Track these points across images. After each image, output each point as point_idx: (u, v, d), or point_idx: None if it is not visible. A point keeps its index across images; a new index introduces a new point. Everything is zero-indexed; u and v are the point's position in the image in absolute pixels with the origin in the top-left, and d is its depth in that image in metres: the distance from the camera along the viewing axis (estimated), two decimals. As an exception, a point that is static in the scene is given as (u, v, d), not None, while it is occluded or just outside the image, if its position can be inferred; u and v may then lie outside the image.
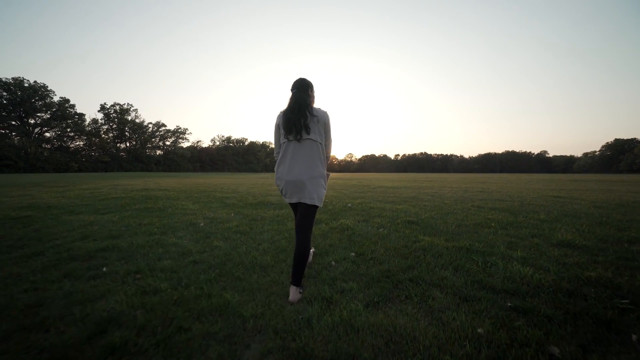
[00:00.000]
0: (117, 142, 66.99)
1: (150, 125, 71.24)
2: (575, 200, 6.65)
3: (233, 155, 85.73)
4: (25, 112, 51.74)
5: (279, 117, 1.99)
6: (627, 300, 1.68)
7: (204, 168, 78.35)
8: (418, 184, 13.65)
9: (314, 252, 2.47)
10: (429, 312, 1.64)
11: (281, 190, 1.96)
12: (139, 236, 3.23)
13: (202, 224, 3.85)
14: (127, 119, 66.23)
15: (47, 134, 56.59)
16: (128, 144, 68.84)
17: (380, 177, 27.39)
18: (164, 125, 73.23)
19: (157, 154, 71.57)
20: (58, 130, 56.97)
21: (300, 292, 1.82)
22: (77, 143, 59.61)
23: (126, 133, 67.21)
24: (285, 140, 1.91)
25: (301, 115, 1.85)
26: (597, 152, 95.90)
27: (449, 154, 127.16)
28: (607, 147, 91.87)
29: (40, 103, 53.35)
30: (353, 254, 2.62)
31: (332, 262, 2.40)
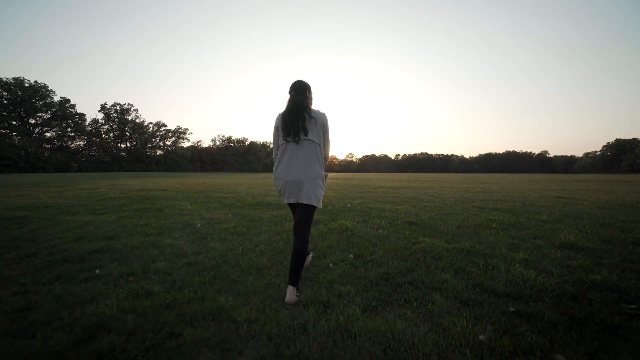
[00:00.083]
0: (118, 142, 67.03)
1: (150, 125, 71.27)
2: (577, 201, 6.58)
3: (233, 155, 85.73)
4: (25, 112, 51.79)
5: (277, 119, 2.01)
6: (634, 306, 1.62)
7: (205, 168, 78.36)
8: (418, 184, 13.59)
9: (312, 256, 2.43)
10: (429, 317, 1.59)
11: (280, 191, 1.97)
12: (135, 237, 3.18)
13: (199, 225, 3.81)
14: (127, 119, 66.23)
15: (48, 134, 56.72)
16: (128, 144, 68.87)
17: (380, 177, 27.33)
18: (164, 125, 73.26)
19: (158, 154, 71.57)
20: (58, 130, 57.01)
21: (297, 295, 1.78)
22: (78, 143, 59.70)
23: (126, 133, 67.21)
24: (283, 141, 1.93)
25: (299, 117, 1.87)
26: (598, 152, 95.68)
27: (449, 154, 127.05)
28: (608, 147, 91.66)
29: (40, 103, 53.38)
30: (351, 255, 2.57)
31: (330, 264, 2.35)
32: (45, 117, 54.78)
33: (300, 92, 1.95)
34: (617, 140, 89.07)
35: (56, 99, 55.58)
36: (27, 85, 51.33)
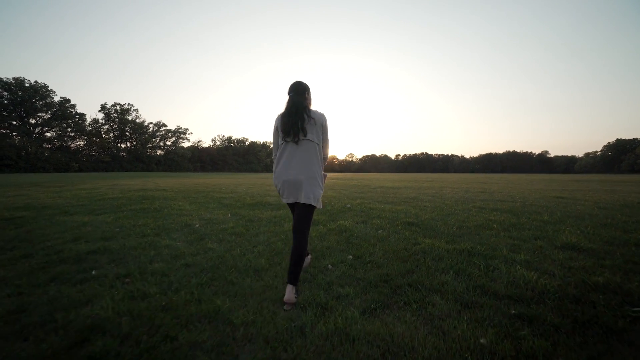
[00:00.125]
0: (118, 142, 67.05)
1: (150, 125, 71.28)
2: (578, 201, 6.55)
3: (234, 155, 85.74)
4: (26, 112, 51.82)
5: (277, 120, 2.03)
6: (639, 309, 1.59)
7: (205, 168, 78.37)
8: (419, 184, 13.57)
9: (310, 257, 2.41)
10: (429, 319, 1.56)
11: (279, 190, 1.98)
12: (132, 238, 3.15)
13: (197, 225, 3.78)
14: (127, 119, 66.25)
15: (48, 134, 56.76)
16: (129, 144, 68.90)
17: (380, 177, 27.30)
18: (164, 125, 73.29)
19: (158, 154, 71.60)
20: (59, 130, 57.05)
21: (295, 297, 1.76)
22: (78, 143, 59.75)
23: (127, 133, 67.24)
24: (283, 142, 1.95)
25: (298, 118, 1.88)
26: (599, 152, 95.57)
27: (449, 154, 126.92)
28: (609, 147, 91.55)
29: (40, 103, 53.41)
30: (351, 256, 2.54)
31: (329, 266, 2.32)
32: (45, 117, 54.83)
33: (299, 93, 1.97)
34: (617, 140, 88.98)
35: (56, 98, 55.67)
36: (27, 85, 51.37)
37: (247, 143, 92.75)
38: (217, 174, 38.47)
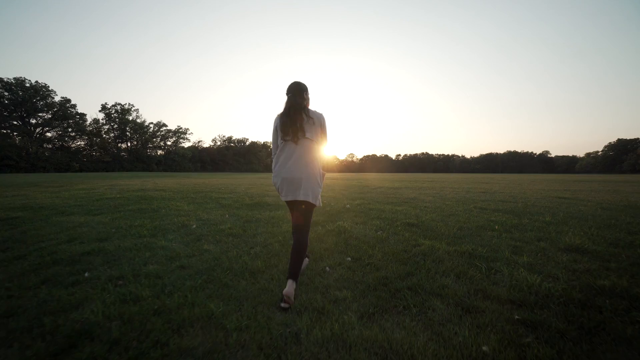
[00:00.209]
0: (118, 142, 67.06)
1: (151, 125, 71.25)
2: (581, 202, 6.48)
3: (234, 156, 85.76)
4: (26, 112, 51.84)
5: (276, 120, 2.05)
6: (647, 314, 1.53)
7: (205, 168, 78.38)
8: (419, 184, 13.49)
9: (307, 260, 2.37)
10: (429, 325, 1.50)
11: (278, 188, 2.00)
12: (128, 239, 3.11)
13: (194, 226, 3.73)
14: (128, 119, 66.23)
15: (49, 134, 56.73)
16: (129, 144, 68.90)
17: (381, 177, 27.22)
18: (165, 125, 73.26)
19: (158, 154, 71.60)
20: (59, 130, 57.06)
21: (294, 291, 1.75)
22: (78, 143, 59.74)
23: (127, 133, 67.21)
24: (282, 141, 1.97)
25: (297, 118, 1.92)
26: (600, 152, 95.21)
27: (450, 154, 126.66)
28: (610, 147, 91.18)
29: (41, 103, 53.42)
30: (349, 258, 2.48)
31: (327, 268, 2.27)
32: (46, 117, 54.82)
33: (297, 93, 1.99)
34: (619, 140, 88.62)
35: (57, 99, 55.65)
36: (28, 85, 51.40)
37: (247, 143, 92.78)
38: (217, 174, 38.43)
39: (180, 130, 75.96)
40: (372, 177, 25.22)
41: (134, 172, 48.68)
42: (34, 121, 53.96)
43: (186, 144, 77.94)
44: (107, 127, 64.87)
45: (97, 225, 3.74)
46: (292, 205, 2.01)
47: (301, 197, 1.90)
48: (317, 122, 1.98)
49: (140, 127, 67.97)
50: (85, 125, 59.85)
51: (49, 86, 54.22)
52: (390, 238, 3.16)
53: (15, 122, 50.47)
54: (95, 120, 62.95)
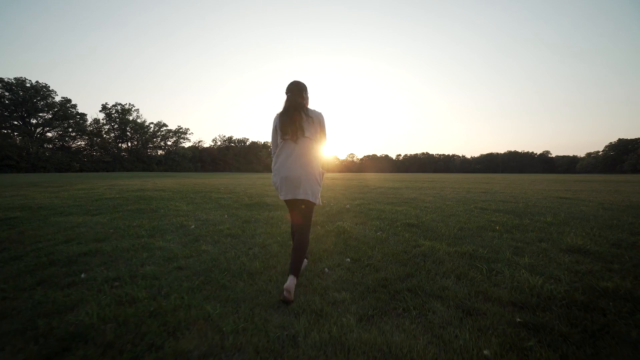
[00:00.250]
0: (119, 142, 67.13)
1: (151, 125, 71.35)
2: (582, 202, 6.44)
3: (234, 155, 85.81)
4: (27, 112, 51.90)
5: (275, 119, 2.05)
6: (651, 317, 1.50)
7: (205, 168, 78.41)
8: (419, 184, 13.46)
9: (307, 262, 2.34)
10: (429, 328, 1.48)
11: (277, 188, 2.01)
12: (125, 239, 3.08)
13: (192, 226, 3.71)
14: (128, 119, 66.31)
15: (49, 134, 56.81)
16: (129, 144, 68.97)
17: (381, 177, 27.18)
18: (165, 125, 73.35)
19: (159, 154, 71.69)
20: (60, 130, 57.12)
21: (294, 286, 1.77)
22: (79, 143, 59.83)
23: (127, 133, 67.30)
24: (282, 140, 1.98)
25: (296, 117, 1.92)
26: (601, 152, 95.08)
27: (450, 154, 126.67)
28: (611, 147, 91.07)
29: (42, 103, 53.49)
30: (348, 259, 2.46)
31: (326, 269, 2.24)
32: (46, 117, 54.90)
33: (296, 92, 2.00)
34: (619, 140, 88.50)
35: (57, 99, 55.74)
36: (28, 85, 51.46)
37: (247, 143, 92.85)
38: (217, 174, 38.42)
39: (181, 130, 76.04)
40: (372, 177, 25.18)
41: (134, 172, 48.70)
42: (34, 121, 54.04)
43: (186, 144, 78.09)
44: (107, 127, 64.98)
45: (95, 226, 3.72)
46: (292, 204, 2.00)
47: (301, 196, 1.91)
48: (316, 121, 1.98)
49: (140, 127, 68.03)
50: (86, 125, 59.91)
51: (49, 86, 54.32)
52: (390, 239, 3.13)
53: (15, 122, 50.55)
54: (96, 120, 63.04)
